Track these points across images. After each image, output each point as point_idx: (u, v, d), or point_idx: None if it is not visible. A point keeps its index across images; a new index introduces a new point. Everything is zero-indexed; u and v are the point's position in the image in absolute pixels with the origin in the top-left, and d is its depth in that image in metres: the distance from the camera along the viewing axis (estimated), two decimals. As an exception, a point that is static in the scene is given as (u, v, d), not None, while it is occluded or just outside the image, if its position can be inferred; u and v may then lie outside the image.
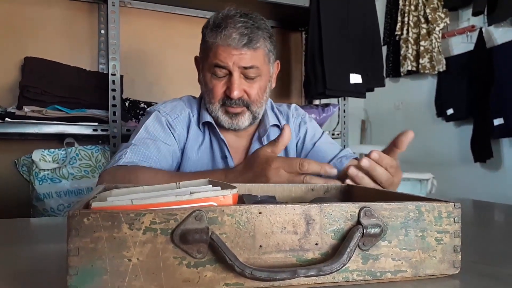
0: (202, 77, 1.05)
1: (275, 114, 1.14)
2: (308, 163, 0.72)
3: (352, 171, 0.72)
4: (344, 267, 0.41)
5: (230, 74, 0.97)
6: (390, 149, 0.75)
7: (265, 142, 1.06)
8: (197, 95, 1.14)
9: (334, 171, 0.72)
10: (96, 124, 1.71)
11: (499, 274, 0.47)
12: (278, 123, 1.11)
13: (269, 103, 1.15)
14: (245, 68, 0.96)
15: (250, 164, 0.78)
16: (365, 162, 0.70)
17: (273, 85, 1.09)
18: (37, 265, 0.51)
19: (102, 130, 1.72)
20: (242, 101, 0.99)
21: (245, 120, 1.01)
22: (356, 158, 1.09)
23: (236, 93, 0.96)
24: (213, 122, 1.03)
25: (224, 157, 1.04)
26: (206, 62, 1.00)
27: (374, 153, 0.71)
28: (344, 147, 2.23)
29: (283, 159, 0.74)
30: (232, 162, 1.04)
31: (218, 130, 1.04)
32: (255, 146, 1.06)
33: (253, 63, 0.97)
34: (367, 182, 0.72)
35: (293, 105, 1.20)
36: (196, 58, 1.10)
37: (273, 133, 1.10)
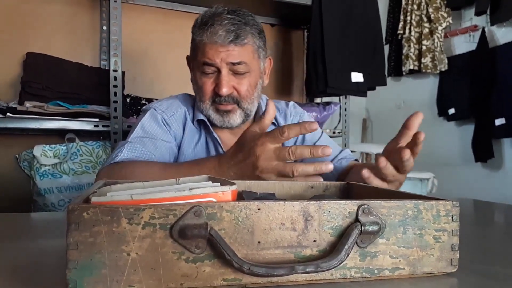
0: (193, 75, 1.04)
1: None
2: (288, 128, 0.69)
3: (365, 173, 0.71)
4: (341, 264, 0.41)
5: (218, 71, 0.96)
6: (401, 132, 0.75)
7: None
8: (195, 93, 1.14)
9: (314, 126, 0.69)
10: (97, 120, 1.72)
11: (497, 273, 0.48)
12: (274, 121, 1.10)
13: (265, 100, 1.13)
14: (233, 64, 0.95)
15: (239, 145, 0.76)
16: (382, 161, 0.69)
17: (266, 82, 1.08)
18: (37, 259, 0.51)
19: (103, 126, 1.72)
20: (232, 98, 0.98)
21: (236, 117, 1.00)
22: (356, 160, 1.09)
23: (225, 90, 0.95)
24: (206, 120, 1.03)
25: None
26: (196, 60, 1.00)
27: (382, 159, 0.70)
28: (345, 145, 2.23)
29: (266, 133, 0.72)
30: None
31: (211, 129, 1.03)
32: None
33: (241, 59, 0.95)
34: (377, 183, 0.72)
35: (291, 103, 1.19)
36: (187, 57, 1.09)
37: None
